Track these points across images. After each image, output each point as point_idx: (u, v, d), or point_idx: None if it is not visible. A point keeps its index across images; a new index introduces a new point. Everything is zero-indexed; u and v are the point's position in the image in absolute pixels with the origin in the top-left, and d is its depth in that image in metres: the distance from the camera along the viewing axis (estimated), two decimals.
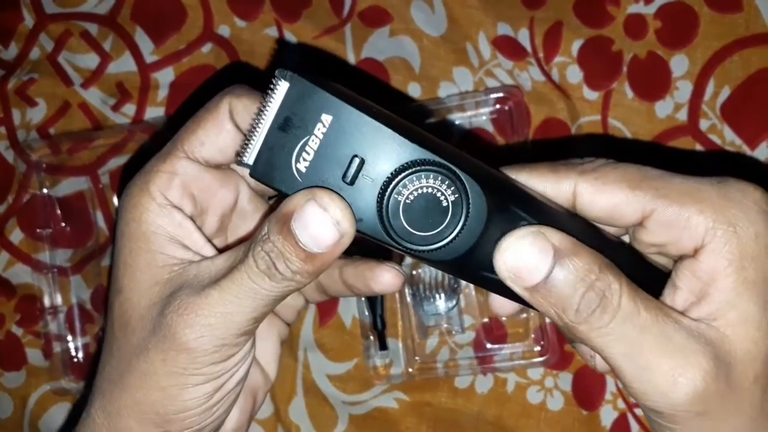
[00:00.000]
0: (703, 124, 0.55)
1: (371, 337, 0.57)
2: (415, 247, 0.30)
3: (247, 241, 0.32)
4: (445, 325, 0.58)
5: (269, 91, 0.30)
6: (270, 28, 0.60)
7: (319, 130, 0.29)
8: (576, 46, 0.56)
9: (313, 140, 0.30)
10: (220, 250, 0.35)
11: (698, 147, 0.55)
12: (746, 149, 0.55)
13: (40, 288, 0.61)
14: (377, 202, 0.30)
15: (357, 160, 0.30)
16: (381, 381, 0.58)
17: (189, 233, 0.34)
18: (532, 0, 0.57)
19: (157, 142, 0.60)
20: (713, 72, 0.55)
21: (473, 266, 0.31)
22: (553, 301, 0.30)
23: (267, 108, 0.30)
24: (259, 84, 0.33)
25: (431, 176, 0.30)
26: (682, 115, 0.55)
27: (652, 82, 0.56)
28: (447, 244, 0.30)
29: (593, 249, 0.30)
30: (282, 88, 0.30)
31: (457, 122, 0.57)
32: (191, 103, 0.61)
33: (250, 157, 0.30)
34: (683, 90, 0.55)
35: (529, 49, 0.57)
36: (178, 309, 0.32)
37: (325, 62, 0.59)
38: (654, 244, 0.33)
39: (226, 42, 0.60)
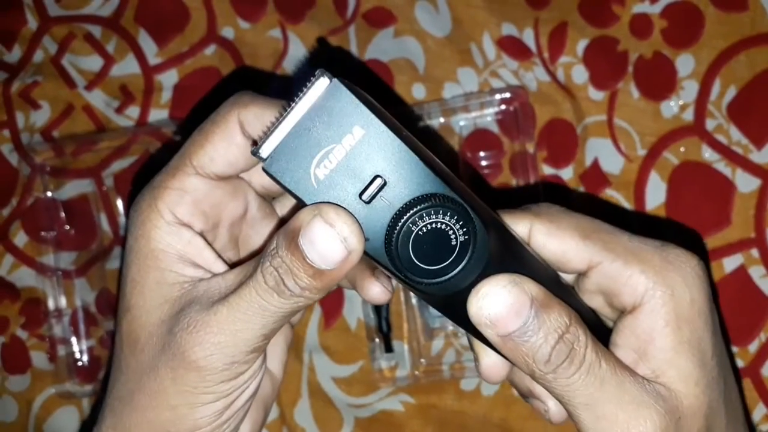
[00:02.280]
0: (710, 124, 0.55)
1: (376, 340, 0.57)
2: (414, 278, 0.30)
3: (258, 256, 0.31)
4: (451, 327, 0.57)
5: (305, 88, 0.29)
6: (274, 30, 0.60)
7: (348, 141, 0.29)
8: (581, 46, 0.56)
9: (338, 150, 0.29)
10: (232, 265, 0.34)
11: (704, 147, 0.55)
12: (753, 148, 0.54)
13: (44, 291, 0.61)
14: (389, 226, 0.30)
15: (379, 181, 0.29)
16: (386, 383, 0.58)
17: (199, 251, 0.34)
18: (536, 0, 0.57)
19: (166, 147, 0.60)
20: (719, 71, 0.55)
21: (462, 307, 0.31)
22: (525, 350, 0.30)
23: (298, 104, 0.29)
24: (266, 88, 0.32)
25: (448, 213, 0.29)
26: (689, 115, 0.55)
27: (658, 81, 0.55)
28: (444, 281, 0.30)
29: (562, 301, 0.31)
30: (319, 87, 0.29)
31: (461, 123, 0.57)
32: (201, 109, 0.60)
33: (266, 150, 0.29)
34: (689, 90, 0.55)
35: (534, 49, 0.57)
36: (188, 327, 0.31)
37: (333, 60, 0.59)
38: (595, 292, 0.35)
39: (230, 44, 0.60)
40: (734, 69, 0.55)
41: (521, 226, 0.34)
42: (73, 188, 0.62)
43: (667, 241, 0.34)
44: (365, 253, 0.30)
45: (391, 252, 0.30)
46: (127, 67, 0.62)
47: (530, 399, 0.37)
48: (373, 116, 0.29)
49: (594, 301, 0.36)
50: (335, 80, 0.28)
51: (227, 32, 0.60)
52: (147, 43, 0.61)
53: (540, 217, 0.34)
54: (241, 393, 0.33)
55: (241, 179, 0.36)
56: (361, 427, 0.59)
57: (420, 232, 0.29)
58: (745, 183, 0.54)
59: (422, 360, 0.58)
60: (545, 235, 0.34)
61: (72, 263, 0.62)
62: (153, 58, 0.61)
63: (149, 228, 0.33)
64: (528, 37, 0.57)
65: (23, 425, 0.62)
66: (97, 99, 0.62)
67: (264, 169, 0.29)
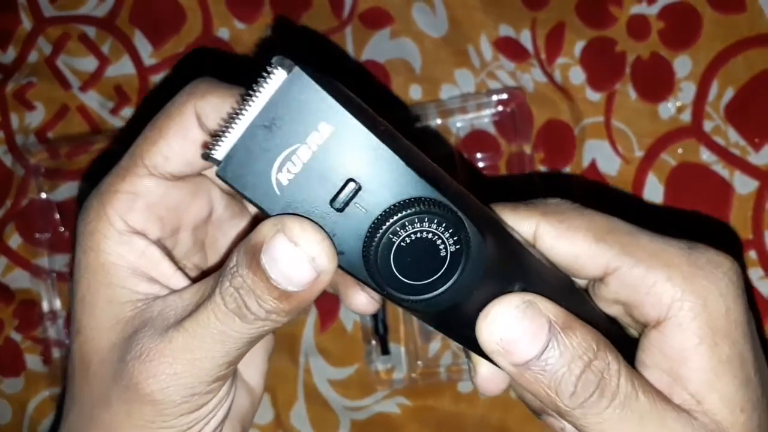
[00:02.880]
0: (707, 126, 0.55)
1: (373, 342, 0.57)
2: (398, 295, 0.27)
3: (218, 271, 0.28)
4: None
5: (260, 79, 0.25)
6: (269, 29, 0.60)
7: (314, 140, 0.25)
8: (578, 47, 0.56)
9: (303, 150, 0.25)
10: (201, 275, 0.32)
11: (702, 148, 0.55)
12: (750, 150, 0.54)
13: (38, 293, 0.61)
14: (367, 237, 0.26)
15: (352, 185, 0.25)
16: (383, 386, 0.58)
17: (155, 263, 0.30)
18: (533, 1, 0.57)
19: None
20: (717, 73, 0.55)
21: (457, 323, 0.28)
22: (546, 382, 0.26)
23: (254, 98, 0.25)
24: (236, 74, 0.29)
25: (435, 221, 0.26)
26: (686, 117, 0.55)
27: (656, 83, 0.55)
28: (434, 297, 0.27)
29: (584, 320, 0.28)
30: (277, 78, 0.25)
31: (458, 124, 0.57)
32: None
33: (220, 152, 0.25)
34: (687, 91, 0.55)
35: (531, 50, 0.57)
36: (140, 355, 0.28)
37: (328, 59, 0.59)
38: (612, 301, 0.31)
39: (226, 44, 0.60)
40: (732, 70, 0.55)
41: (526, 225, 0.30)
42: (68, 190, 0.61)
43: (694, 241, 0.30)
44: (340, 267, 0.27)
45: (370, 267, 0.26)
46: (122, 68, 0.61)
47: (543, 416, 0.34)
48: (342, 109, 0.25)
49: (611, 310, 0.32)
50: (296, 68, 0.24)
51: (223, 33, 0.60)
52: (142, 43, 0.61)
53: (548, 216, 0.30)
54: (205, 424, 0.30)
55: (203, 176, 0.33)
56: (358, 429, 0.58)
57: (402, 244, 0.26)
58: (743, 185, 0.54)
59: (419, 362, 0.57)
60: (554, 236, 0.30)
61: (66, 265, 0.61)
62: (148, 58, 0.61)
63: (98, 239, 0.30)
64: (525, 39, 0.57)
65: (17, 428, 0.62)
66: (92, 100, 0.62)
67: (218, 175, 0.26)
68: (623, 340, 0.31)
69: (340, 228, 0.26)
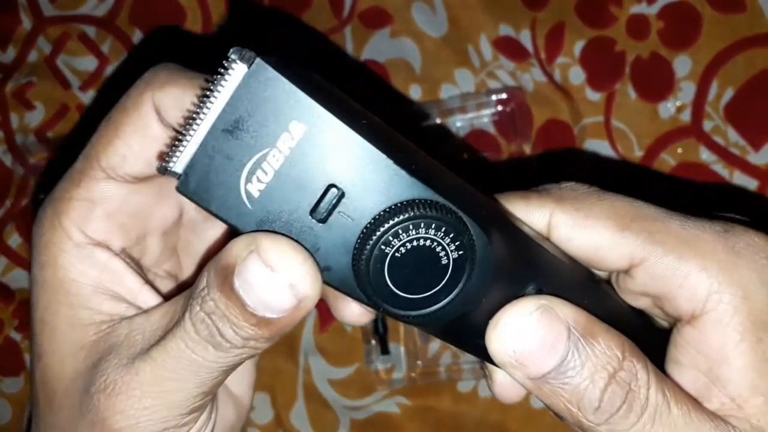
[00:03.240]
0: (707, 125, 0.55)
1: (373, 342, 0.57)
2: (396, 312, 0.24)
3: (189, 290, 0.25)
4: None
5: (218, 76, 0.22)
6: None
7: (285, 142, 0.22)
8: (578, 46, 0.56)
9: (274, 155, 0.22)
10: (166, 296, 0.29)
11: (702, 148, 0.55)
12: (750, 150, 0.54)
13: None
14: (356, 250, 0.23)
15: (334, 192, 0.22)
16: (383, 386, 0.58)
17: (119, 277, 0.27)
18: (533, 1, 0.57)
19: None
20: (717, 73, 0.55)
21: (467, 334, 0.25)
22: (567, 396, 0.24)
23: (212, 99, 0.22)
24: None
25: (433, 226, 0.22)
26: (686, 117, 0.55)
27: (655, 83, 0.55)
28: (438, 309, 0.24)
29: (607, 323, 0.25)
30: (236, 73, 0.21)
31: (458, 124, 0.57)
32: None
33: (178, 164, 0.22)
34: (686, 91, 0.55)
35: (531, 50, 0.57)
36: (106, 388, 0.25)
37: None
38: (640, 294, 0.28)
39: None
40: (732, 70, 0.55)
41: (538, 215, 0.27)
42: None
43: (730, 221, 0.26)
44: (329, 284, 0.24)
45: (363, 282, 0.23)
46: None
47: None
48: (314, 103, 0.21)
49: (638, 303, 0.29)
50: (258, 60, 0.21)
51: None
52: None
53: (563, 203, 0.27)
54: None
55: None
56: (357, 429, 0.58)
57: (397, 254, 0.23)
58: (743, 185, 0.54)
59: (419, 362, 0.57)
60: (571, 226, 0.26)
61: None
62: None
63: (54, 253, 0.26)
64: (525, 38, 0.57)
65: (16, 428, 0.62)
66: (92, 100, 0.62)
67: (178, 190, 0.23)
68: (652, 334, 0.28)
69: (324, 241, 0.23)
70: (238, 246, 0.23)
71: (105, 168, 0.26)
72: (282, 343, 0.58)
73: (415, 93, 0.58)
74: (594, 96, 0.56)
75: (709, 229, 0.26)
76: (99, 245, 0.27)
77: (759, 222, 0.27)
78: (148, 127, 0.26)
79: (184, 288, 0.30)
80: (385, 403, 0.58)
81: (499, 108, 0.56)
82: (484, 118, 0.57)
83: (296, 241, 0.23)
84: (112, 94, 0.53)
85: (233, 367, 0.25)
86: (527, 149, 0.55)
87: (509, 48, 0.57)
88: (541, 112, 0.56)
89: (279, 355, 0.58)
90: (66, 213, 0.27)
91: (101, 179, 0.27)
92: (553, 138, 0.56)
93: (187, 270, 0.32)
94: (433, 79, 0.58)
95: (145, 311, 0.27)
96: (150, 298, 0.28)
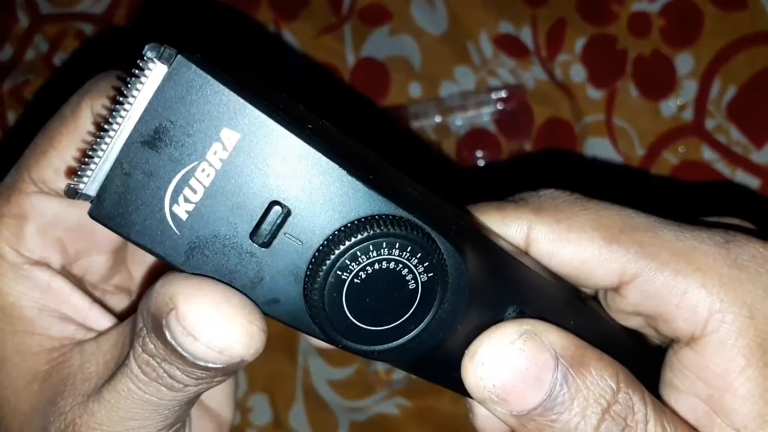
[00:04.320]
0: (709, 124, 0.54)
1: None
2: (358, 347, 0.21)
3: (134, 318, 0.23)
4: None
5: (133, 78, 0.18)
6: (268, 27, 0.59)
7: (216, 154, 0.19)
8: (579, 44, 0.56)
9: (203, 170, 0.19)
10: (120, 315, 0.27)
11: (704, 146, 0.54)
12: (752, 148, 0.54)
13: None
14: (308, 278, 0.20)
15: (278, 210, 0.19)
16: (382, 386, 0.57)
17: (65, 297, 0.25)
18: None
19: None
20: (719, 70, 0.54)
21: (442, 367, 0.23)
22: None
23: (126, 105, 0.18)
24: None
25: (397, 245, 0.19)
26: (688, 115, 0.55)
27: (657, 80, 0.55)
28: (408, 341, 0.21)
29: (597, 347, 0.22)
30: (154, 74, 0.18)
31: (458, 122, 0.57)
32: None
33: (90, 185, 0.19)
34: (688, 89, 0.55)
35: (531, 47, 0.56)
36: (65, 429, 0.23)
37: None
38: (632, 314, 0.25)
39: None
40: (734, 68, 0.54)
41: (515, 228, 0.24)
42: None
43: (731, 229, 0.24)
44: (278, 319, 0.21)
45: (317, 315, 0.20)
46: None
47: None
48: (248, 106, 0.18)
49: (629, 323, 0.26)
50: (179, 57, 0.18)
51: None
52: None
53: (542, 214, 0.24)
54: None
55: None
56: (357, 430, 0.58)
57: (356, 281, 0.19)
58: (745, 183, 0.54)
59: None
60: (551, 240, 0.24)
61: None
62: None
63: None
64: (526, 36, 0.56)
65: None
66: None
67: (92, 215, 0.19)
68: (645, 355, 0.26)
69: (268, 269, 0.20)
70: (160, 296, 0.20)
71: (36, 181, 0.24)
72: (281, 344, 0.58)
73: (414, 91, 0.57)
74: (595, 94, 0.56)
75: (708, 239, 0.23)
76: (37, 264, 0.25)
77: (761, 222, 0.25)
78: (85, 137, 0.24)
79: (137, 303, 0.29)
80: (384, 404, 0.57)
81: (500, 106, 0.55)
82: (484, 116, 0.56)
83: (233, 279, 0.20)
84: None
85: (196, 398, 0.23)
86: (528, 148, 0.55)
87: (510, 45, 0.56)
88: (541, 110, 0.56)
89: (278, 356, 0.58)
90: None
91: (32, 193, 0.24)
92: (554, 136, 0.56)
93: (140, 282, 0.30)
94: (432, 77, 0.57)
95: (96, 337, 0.25)
96: (100, 318, 0.26)
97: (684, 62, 0.55)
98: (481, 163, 0.56)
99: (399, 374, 0.57)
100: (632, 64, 0.55)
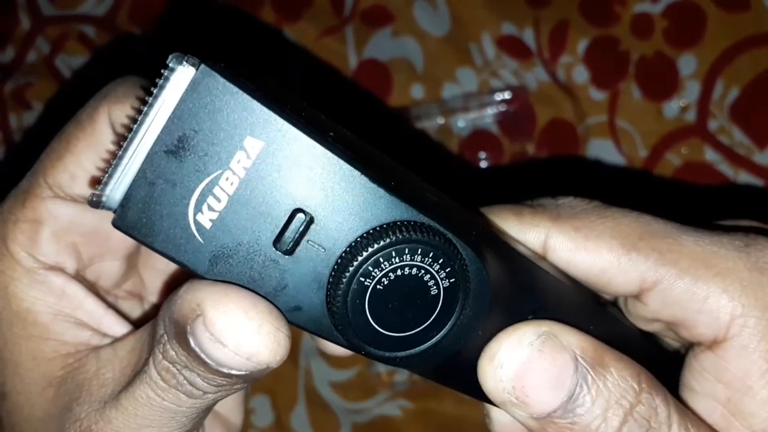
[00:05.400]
0: (712, 125, 0.54)
1: None
2: (381, 354, 0.21)
3: (153, 324, 0.23)
4: None
5: (156, 88, 0.19)
6: (270, 29, 0.59)
7: (240, 162, 0.19)
8: (582, 45, 0.56)
9: (227, 178, 0.19)
10: (135, 322, 0.27)
11: (707, 148, 0.54)
12: (755, 149, 0.54)
13: None
14: (330, 286, 0.20)
15: (301, 217, 0.19)
16: (384, 388, 0.57)
17: (79, 302, 0.25)
18: None
19: None
20: (722, 72, 0.54)
21: (464, 373, 0.22)
22: None
23: (150, 115, 0.19)
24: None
25: (420, 251, 0.19)
26: (691, 116, 0.55)
27: (660, 82, 0.55)
28: (430, 347, 0.21)
29: (617, 350, 0.22)
30: (177, 84, 0.18)
31: (461, 124, 0.57)
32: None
33: (113, 195, 0.19)
34: (691, 90, 0.55)
35: (534, 49, 0.56)
36: None
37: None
38: (652, 321, 0.25)
39: None
40: (737, 69, 0.54)
41: (533, 234, 0.24)
42: None
43: (749, 230, 0.24)
44: (301, 326, 0.21)
45: (340, 322, 0.20)
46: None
47: None
48: (272, 115, 0.19)
49: (649, 328, 0.26)
50: (203, 66, 0.18)
51: None
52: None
53: (560, 223, 0.24)
54: None
55: None
56: None
57: (379, 287, 0.20)
58: (748, 184, 0.54)
59: None
60: (570, 249, 0.24)
61: None
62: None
63: (4, 282, 0.24)
64: (528, 37, 0.56)
65: None
66: None
67: (115, 225, 0.20)
68: (664, 359, 0.26)
69: (292, 276, 0.20)
70: (186, 302, 0.20)
71: (52, 186, 0.24)
72: None
73: (416, 92, 0.57)
74: (598, 95, 0.56)
75: (727, 243, 0.23)
76: (52, 269, 0.25)
77: (766, 222, 0.26)
78: (101, 143, 0.24)
79: (151, 310, 0.28)
80: (386, 406, 0.57)
81: (502, 107, 0.55)
82: (486, 117, 0.56)
83: (256, 287, 0.20)
84: None
85: (213, 405, 0.23)
86: (530, 149, 0.55)
87: (512, 47, 0.56)
88: (544, 111, 0.56)
89: None
90: (12, 236, 0.24)
91: (47, 198, 0.24)
92: (556, 138, 0.56)
93: (151, 288, 0.30)
94: (435, 79, 0.57)
95: (112, 343, 0.24)
96: (115, 324, 0.26)
97: (687, 63, 0.55)
98: (483, 164, 0.56)
99: (401, 376, 0.57)
100: (635, 65, 0.55)
